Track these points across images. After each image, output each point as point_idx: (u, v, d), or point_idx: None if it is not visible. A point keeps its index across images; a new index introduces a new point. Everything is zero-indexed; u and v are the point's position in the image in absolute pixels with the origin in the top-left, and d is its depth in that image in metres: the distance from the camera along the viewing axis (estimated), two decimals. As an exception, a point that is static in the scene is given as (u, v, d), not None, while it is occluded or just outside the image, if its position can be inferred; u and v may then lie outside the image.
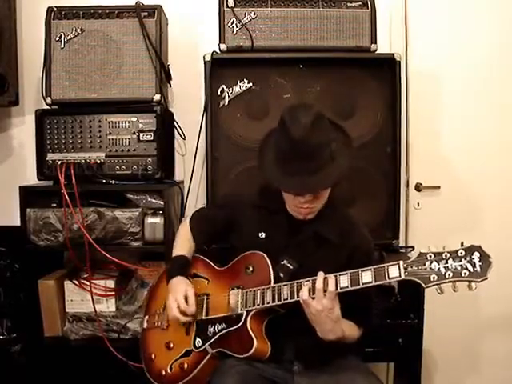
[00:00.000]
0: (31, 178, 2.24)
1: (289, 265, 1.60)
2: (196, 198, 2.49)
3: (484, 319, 2.64)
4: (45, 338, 2.22)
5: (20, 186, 2.16)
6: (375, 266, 1.43)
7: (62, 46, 2.15)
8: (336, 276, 1.45)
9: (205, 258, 1.81)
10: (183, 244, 1.82)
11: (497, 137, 2.59)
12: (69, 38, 2.15)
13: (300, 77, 2.17)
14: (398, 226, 2.25)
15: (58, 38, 2.15)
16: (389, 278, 1.41)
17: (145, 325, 1.84)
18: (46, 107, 2.20)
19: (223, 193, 2.16)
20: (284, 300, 1.52)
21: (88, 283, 2.17)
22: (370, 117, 2.20)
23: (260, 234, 1.68)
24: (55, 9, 2.16)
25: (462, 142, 2.58)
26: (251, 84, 2.17)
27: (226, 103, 2.17)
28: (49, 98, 2.16)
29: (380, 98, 2.21)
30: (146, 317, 1.85)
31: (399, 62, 2.17)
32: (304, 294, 1.46)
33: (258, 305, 1.56)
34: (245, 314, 1.57)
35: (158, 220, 2.15)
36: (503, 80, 2.57)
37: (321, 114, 1.54)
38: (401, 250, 2.35)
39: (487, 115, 2.57)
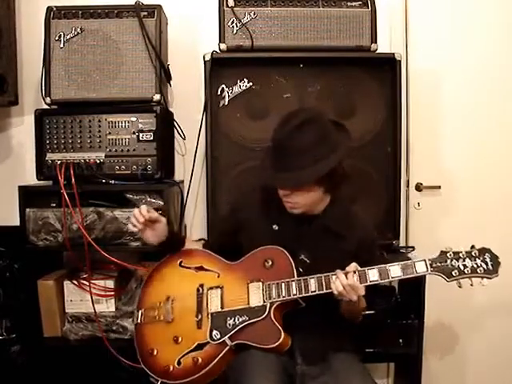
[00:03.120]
0: (30, 178, 2.23)
1: (306, 259, 1.67)
2: (196, 198, 2.49)
3: (484, 319, 2.64)
4: (44, 339, 2.22)
5: (19, 186, 2.15)
6: (402, 262, 1.58)
7: (62, 45, 2.15)
8: (365, 270, 1.56)
9: (213, 254, 1.80)
10: None
11: (497, 137, 2.58)
12: (68, 37, 2.14)
13: (300, 76, 2.17)
14: (398, 226, 2.25)
15: (57, 38, 2.14)
16: (417, 273, 1.57)
17: (139, 319, 1.78)
18: (46, 107, 2.19)
19: (222, 195, 2.17)
20: (312, 292, 1.58)
21: (87, 283, 2.17)
22: (370, 117, 2.20)
23: (274, 227, 1.72)
24: (54, 8, 2.16)
25: (462, 142, 2.58)
26: (251, 84, 2.16)
27: (226, 103, 2.17)
28: (48, 97, 2.15)
29: (380, 97, 2.21)
30: (141, 311, 1.79)
31: (399, 61, 2.17)
32: (339, 287, 1.54)
33: (284, 297, 1.60)
34: (268, 305, 1.60)
35: (158, 220, 2.15)
36: (503, 80, 2.56)
37: (313, 119, 1.62)
38: (401, 250, 2.35)
39: (487, 115, 2.57)
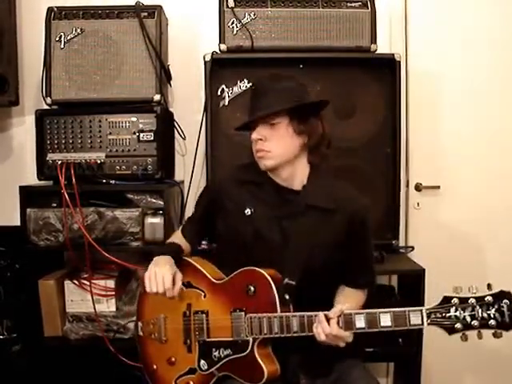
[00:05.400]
0: (31, 178, 2.24)
1: (291, 282, 1.53)
2: (196, 198, 2.49)
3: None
4: (45, 338, 2.22)
5: (20, 186, 2.16)
6: (395, 310, 1.36)
7: (62, 46, 2.15)
8: (351, 314, 1.40)
9: (200, 268, 1.68)
10: (175, 239, 1.79)
11: (497, 137, 2.58)
12: (69, 38, 2.15)
13: (300, 77, 2.14)
14: (397, 226, 2.25)
15: (58, 38, 2.15)
16: (410, 325, 1.34)
17: (140, 332, 1.76)
18: (46, 107, 2.20)
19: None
20: (294, 333, 1.46)
21: (88, 283, 2.18)
22: (370, 117, 2.21)
23: (246, 211, 1.61)
24: (55, 9, 2.17)
25: (461, 141, 2.58)
26: (251, 84, 2.17)
27: (226, 103, 2.18)
28: (49, 98, 2.16)
29: (380, 98, 2.21)
30: (140, 323, 1.76)
31: (399, 62, 2.17)
32: (321, 335, 1.41)
33: (266, 334, 1.50)
34: (251, 340, 1.51)
35: (158, 220, 2.15)
36: (503, 80, 2.57)
37: (289, 75, 1.64)
38: (401, 250, 2.36)
39: (487, 115, 2.57)
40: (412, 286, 2.17)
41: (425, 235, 2.58)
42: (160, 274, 1.55)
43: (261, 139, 1.57)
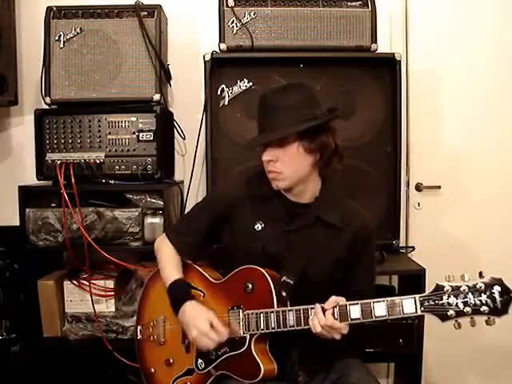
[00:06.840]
0: (30, 178, 2.24)
1: (289, 280, 1.52)
2: (196, 198, 2.48)
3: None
4: (44, 339, 2.22)
5: (19, 186, 2.15)
6: (389, 299, 1.38)
7: (62, 45, 2.15)
8: (346, 306, 1.41)
9: (199, 269, 1.70)
10: (172, 262, 1.69)
11: (497, 136, 2.58)
12: (68, 37, 2.15)
13: (300, 76, 2.16)
14: (398, 226, 2.25)
15: (57, 38, 2.15)
16: (403, 314, 1.35)
17: (139, 335, 1.77)
18: (46, 107, 2.20)
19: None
20: (290, 327, 1.46)
21: (87, 283, 2.17)
22: (370, 117, 2.20)
23: (256, 226, 1.60)
24: (54, 8, 2.16)
25: (462, 141, 2.58)
26: (251, 84, 2.16)
27: (226, 103, 2.17)
28: (48, 97, 2.16)
29: (380, 97, 2.21)
30: (139, 327, 1.77)
31: (399, 61, 2.17)
32: (317, 327, 1.42)
33: (263, 329, 1.50)
34: (248, 337, 1.51)
35: (158, 220, 2.15)
36: (503, 80, 2.56)
37: (299, 84, 1.57)
38: (401, 250, 2.36)
39: (487, 115, 2.57)
40: (412, 287, 2.16)
41: (425, 235, 2.58)
42: (203, 336, 1.52)
43: (272, 160, 1.54)
